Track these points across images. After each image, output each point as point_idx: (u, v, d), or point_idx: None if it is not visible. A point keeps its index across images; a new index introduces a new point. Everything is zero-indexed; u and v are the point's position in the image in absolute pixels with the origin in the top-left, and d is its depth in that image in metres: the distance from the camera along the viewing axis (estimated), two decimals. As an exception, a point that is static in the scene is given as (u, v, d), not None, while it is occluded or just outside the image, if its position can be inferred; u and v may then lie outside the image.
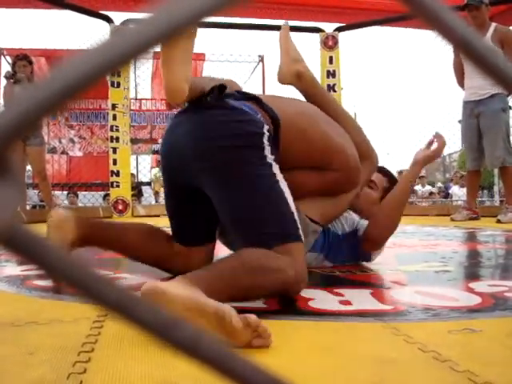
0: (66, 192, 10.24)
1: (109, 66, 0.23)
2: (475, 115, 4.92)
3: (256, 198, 1.41)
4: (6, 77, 5.52)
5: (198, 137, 1.48)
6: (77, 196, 9.76)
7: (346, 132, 1.79)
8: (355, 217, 2.01)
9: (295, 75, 1.90)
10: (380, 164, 2.10)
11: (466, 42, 0.31)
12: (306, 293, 1.50)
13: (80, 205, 9.13)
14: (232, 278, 1.25)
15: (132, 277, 1.82)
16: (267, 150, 1.44)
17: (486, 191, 14.99)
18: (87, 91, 0.23)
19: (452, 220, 5.04)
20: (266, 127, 1.47)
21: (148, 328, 0.27)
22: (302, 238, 1.44)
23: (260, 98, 1.60)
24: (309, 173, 1.72)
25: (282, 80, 1.92)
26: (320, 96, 1.90)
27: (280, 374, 0.29)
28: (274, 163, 1.45)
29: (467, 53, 0.31)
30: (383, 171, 2.18)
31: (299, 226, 1.44)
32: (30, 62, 5.59)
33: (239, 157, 1.42)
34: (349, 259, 2.02)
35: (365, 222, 1.96)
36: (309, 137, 1.65)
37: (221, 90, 1.50)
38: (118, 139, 6.28)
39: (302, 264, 1.39)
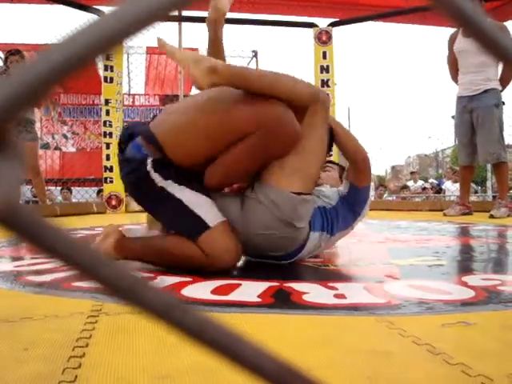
0: (59, 188, 10.19)
1: (95, 48, 0.23)
2: (468, 110, 4.93)
3: (163, 216, 1.89)
4: (-2, 72, 5.50)
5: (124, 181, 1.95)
6: (71, 191, 9.72)
7: (281, 92, 1.77)
8: (335, 189, 2.22)
9: (209, 73, 1.76)
10: (370, 158, 2.22)
11: (473, 20, 0.30)
12: (300, 286, 1.51)
13: (73, 200, 9.09)
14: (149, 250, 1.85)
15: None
16: (156, 177, 1.77)
17: (479, 186, 15.04)
18: (73, 75, 0.23)
19: (445, 215, 5.06)
20: (148, 161, 1.77)
21: (153, 311, 0.27)
22: (210, 222, 1.76)
23: (146, 133, 1.83)
24: (234, 150, 1.78)
25: (201, 87, 1.81)
26: (243, 79, 1.78)
27: (287, 360, 0.29)
28: (165, 183, 1.77)
29: (471, 30, 0.31)
30: (332, 162, 2.67)
31: (202, 216, 1.76)
32: (23, 57, 5.56)
33: (142, 194, 1.88)
34: (346, 223, 2.15)
35: (343, 185, 2.23)
36: (195, 129, 1.77)
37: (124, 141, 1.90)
38: (111, 134, 6.26)
39: (217, 245, 1.75)
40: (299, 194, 1.84)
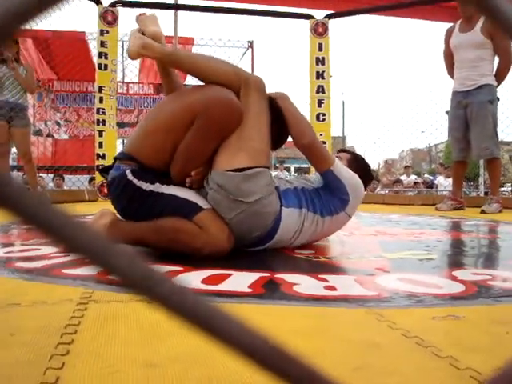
0: (51, 175, 10.14)
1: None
2: (463, 106, 4.93)
3: (159, 214, 1.91)
4: (-9, 57, 5.45)
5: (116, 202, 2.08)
6: (63, 179, 9.68)
7: (212, 74, 2.03)
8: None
9: (141, 46, 2.08)
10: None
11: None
12: (291, 278, 1.51)
13: (65, 188, 9.05)
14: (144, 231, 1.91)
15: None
16: (142, 184, 1.92)
17: (471, 182, 15.10)
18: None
19: (437, 210, 5.08)
20: (127, 171, 1.94)
21: (130, 280, 0.26)
22: (204, 206, 1.91)
23: (119, 154, 2.08)
24: (186, 137, 1.94)
25: (131, 55, 2.12)
26: (174, 58, 2.12)
27: (267, 332, 0.28)
28: (152, 186, 1.92)
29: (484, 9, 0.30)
30: (345, 150, 2.63)
31: (197, 201, 1.92)
32: (16, 42, 5.51)
33: (135, 207, 1.95)
34: (335, 207, 2.15)
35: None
36: (156, 128, 1.99)
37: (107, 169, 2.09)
38: (104, 122, 6.22)
39: (213, 223, 1.90)
40: (245, 169, 1.93)
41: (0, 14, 0.23)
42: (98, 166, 6.21)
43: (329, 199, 2.14)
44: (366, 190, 2.48)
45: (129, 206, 1.98)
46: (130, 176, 1.94)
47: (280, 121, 2.10)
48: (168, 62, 2.15)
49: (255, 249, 2.08)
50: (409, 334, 0.97)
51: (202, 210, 1.91)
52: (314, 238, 2.22)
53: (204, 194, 1.99)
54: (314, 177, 2.28)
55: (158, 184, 1.93)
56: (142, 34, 2.16)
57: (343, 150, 2.61)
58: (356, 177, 2.21)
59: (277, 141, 2.18)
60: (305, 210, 2.08)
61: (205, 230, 1.87)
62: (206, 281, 1.46)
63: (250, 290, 1.36)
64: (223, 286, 1.40)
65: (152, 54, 2.08)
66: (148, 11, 2.39)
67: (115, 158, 2.07)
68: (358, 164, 2.41)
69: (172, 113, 1.98)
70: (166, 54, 2.10)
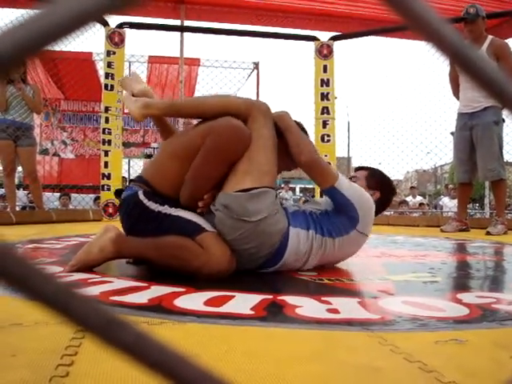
0: (56, 194, 10.17)
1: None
2: (469, 127, 4.94)
3: (164, 233, 1.95)
4: (-2, 77, 5.50)
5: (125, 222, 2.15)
6: (70, 198, 9.71)
7: (217, 110, 2.08)
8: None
9: (143, 107, 2.19)
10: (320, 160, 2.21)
11: (461, 53, 0.30)
12: (293, 300, 1.50)
13: (70, 207, 9.07)
14: (146, 248, 1.96)
15: (118, 281, 1.80)
16: (151, 204, 2.01)
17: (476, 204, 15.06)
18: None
19: (442, 231, 5.06)
20: (139, 193, 2.03)
21: (87, 325, 0.26)
22: (207, 228, 1.95)
23: (136, 178, 2.19)
24: (194, 163, 2.01)
25: (136, 118, 2.22)
26: (173, 108, 2.24)
27: (226, 376, 0.28)
28: (162, 207, 2.00)
29: (461, 64, 0.31)
30: (362, 167, 2.53)
31: (202, 223, 1.96)
32: (24, 63, 5.57)
33: (142, 226, 2.02)
34: (345, 227, 2.13)
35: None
36: (170, 159, 2.10)
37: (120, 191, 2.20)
38: (110, 142, 6.25)
39: (214, 244, 1.92)
40: (250, 189, 1.97)
41: (13, 43, 0.23)
42: (103, 186, 6.23)
43: (337, 220, 2.12)
44: (389, 205, 2.47)
45: (136, 225, 2.04)
46: (141, 196, 2.03)
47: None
48: (173, 113, 2.31)
49: (267, 270, 2.08)
50: (411, 359, 0.96)
51: (206, 231, 1.95)
52: (327, 261, 2.19)
53: (212, 219, 2.01)
54: (324, 200, 2.27)
55: (166, 206, 2.00)
56: (133, 95, 2.28)
57: (360, 168, 2.54)
58: (362, 191, 2.18)
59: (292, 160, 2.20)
60: (312, 232, 2.07)
61: (206, 250, 1.90)
62: (208, 303, 1.46)
63: (252, 313, 1.35)
64: (225, 308, 1.40)
65: (156, 110, 2.19)
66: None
67: (130, 181, 2.18)
68: (376, 179, 2.38)
69: (184, 141, 2.10)
70: (168, 106, 2.21)
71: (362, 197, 2.16)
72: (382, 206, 2.37)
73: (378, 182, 2.36)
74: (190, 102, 2.25)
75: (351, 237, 2.14)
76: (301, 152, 2.11)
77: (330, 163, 6.03)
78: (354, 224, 2.13)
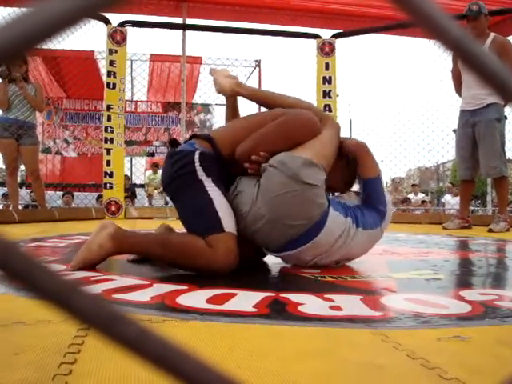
0: (59, 192, 10.18)
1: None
2: (471, 124, 4.93)
3: (189, 206, 2.02)
4: (0, 76, 5.51)
5: (166, 174, 2.17)
6: (73, 196, 9.74)
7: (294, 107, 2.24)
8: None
9: (236, 85, 2.42)
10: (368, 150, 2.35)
11: (464, 47, 0.30)
12: (296, 297, 1.50)
13: (73, 205, 9.09)
14: (148, 245, 1.98)
15: (121, 278, 1.81)
16: (199, 170, 2.01)
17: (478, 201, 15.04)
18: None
19: (444, 228, 5.06)
20: (196, 152, 2.04)
21: (90, 322, 0.26)
22: (226, 228, 1.93)
23: (203, 134, 2.22)
24: (263, 129, 2.14)
25: (224, 91, 2.44)
26: (259, 96, 2.45)
27: (229, 372, 0.28)
28: (206, 178, 2.00)
29: (464, 58, 0.31)
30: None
31: (222, 220, 1.94)
32: (25, 62, 5.58)
33: (181, 182, 2.04)
34: (374, 221, 2.18)
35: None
36: (245, 128, 2.18)
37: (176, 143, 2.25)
38: (112, 140, 6.26)
39: (223, 249, 1.89)
40: (310, 160, 2.03)
41: (12, 36, 0.23)
42: (105, 184, 6.24)
43: (369, 213, 2.17)
44: None
45: (175, 184, 2.07)
46: (196, 156, 2.04)
47: (351, 166, 2.29)
48: (255, 99, 2.45)
49: (297, 249, 2.06)
50: (414, 356, 0.96)
51: (221, 232, 1.93)
52: (347, 256, 2.20)
53: (252, 182, 2.07)
54: (350, 197, 2.31)
55: (211, 180, 2.01)
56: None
57: None
58: (389, 196, 2.32)
59: (347, 183, 2.37)
60: (349, 220, 2.08)
61: (213, 250, 1.89)
62: (210, 300, 1.46)
63: (254, 310, 1.35)
64: (228, 306, 1.40)
65: (245, 91, 2.41)
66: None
67: (193, 136, 2.23)
68: None
69: (259, 118, 2.23)
70: (254, 91, 2.46)
71: (389, 200, 2.29)
72: None
73: None
74: (271, 95, 2.38)
75: (375, 234, 2.20)
76: (356, 140, 2.32)
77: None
78: (381, 220, 2.20)
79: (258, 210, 2.01)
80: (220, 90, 2.45)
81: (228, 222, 1.96)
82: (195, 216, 1.99)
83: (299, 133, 2.11)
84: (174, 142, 2.24)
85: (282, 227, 2.01)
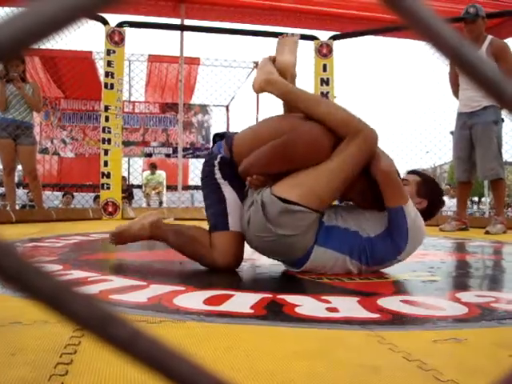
0: (56, 192, 10.17)
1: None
2: (468, 127, 4.94)
3: (206, 202, 2.24)
4: (-2, 75, 5.50)
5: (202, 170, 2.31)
6: (73, 197, 9.75)
7: (322, 118, 2.02)
8: (383, 217, 2.05)
9: (266, 82, 2.20)
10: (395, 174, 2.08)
11: (460, 53, 0.30)
12: (293, 299, 1.50)
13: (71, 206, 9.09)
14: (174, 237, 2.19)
15: (118, 279, 1.81)
16: (217, 173, 2.15)
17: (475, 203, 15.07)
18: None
19: (441, 230, 5.06)
20: (217, 159, 2.16)
21: (83, 323, 0.26)
22: (232, 227, 2.08)
23: (228, 137, 2.23)
24: (265, 145, 2.05)
25: (255, 88, 2.27)
26: (291, 98, 2.18)
27: (221, 373, 0.28)
28: (222, 181, 2.14)
29: (460, 64, 0.31)
30: (416, 172, 2.40)
31: (229, 219, 2.08)
32: (23, 61, 5.57)
33: (205, 180, 2.22)
34: (386, 256, 2.03)
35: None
36: (257, 140, 2.10)
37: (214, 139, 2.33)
38: (109, 141, 6.25)
39: (221, 247, 2.06)
40: (292, 203, 1.93)
41: (10, 34, 0.23)
42: (103, 185, 6.23)
43: (381, 247, 2.01)
44: (434, 216, 2.30)
45: (203, 179, 2.26)
46: (216, 161, 2.17)
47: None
48: (286, 100, 2.25)
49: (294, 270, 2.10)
50: (410, 357, 0.96)
51: (224, 230, 2.09)
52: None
53: (251, 201, 2.07)
54: (374, 220, 2.07)
55: (227, 182, 2.14)
56: (274, 61, 2.32)
57: (413, 172, 2.40)
58: (422, 223, 2.07)
59: (374, 201, 2.07)
60: (343, 256, 2.00)
61: (213, 248, 2.08)
62: (207, 301, 1.46)
63: (251, 311, 1.35)
64: (225, 307, 1.40)
65: (274, 90, 2.19)
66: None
67: (222, 135, 2.30)
68: (427, 187, 2.24)
69: (277, 126, 2.13)
70: (286, 92, 2.17)
71: (418, 232, 2.05)
72: (427, 215, 2.20)
73: (429, 191, 2.23)
74: (305, 99, 2.12)
75: (390, 264, 2.09)
76: (382, 161, 2.02)
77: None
78: (395, 254, 2.03)
79: (250, 236, 2.07)
80: (252, 86, 2.30)
81: (235, 222, 2.09)
82: (207, 210, 2.20)
83: (299, 156, 1.97)
84: (215, 137, 2.34)
85: (272, 256, 2.15)
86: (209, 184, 2.18)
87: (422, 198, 2.18)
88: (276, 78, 2.20)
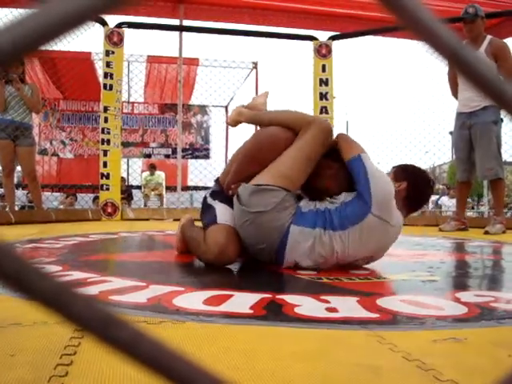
0: (56, 193, 10.17)
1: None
2: (467, 127, 4.94)
3: (205, 215, 2.43)
4: (-3, 77, 5.50)
5: None
6: (76, 198, 9.76)
7: (279, 122, 2.36)
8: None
9: (237, 115, 2.67)
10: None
11: (457, 54, 0.30)
12: (292, 299, 1.50)
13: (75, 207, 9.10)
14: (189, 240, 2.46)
15: (117, 280, 1.81)
16: (208, 198, 2.47)
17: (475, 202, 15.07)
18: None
19: (440, 230, 5.06)
20: (209, 192, 2.55)
21: (84, 324, 0.26)
22: (219, 220, 2.25)
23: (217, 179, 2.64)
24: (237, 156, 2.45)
25: (231, 122, 2.74)
26: (257, 119, 2.62)
27: (221, 374, 0.28)
28: (213, 201, 2.41)
29: (458, 65, 0.31)
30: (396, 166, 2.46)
31: (219, 217, 2.27)
32: (22, 63, 5.57)
33: (201, 214, 2.53)
34: (357, 212, 2.06)
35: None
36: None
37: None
38: (108, 142, 6.25)
39: (212, 238, 2.18)
40: (261, 185, 2.16)
41: (12, 38, 0.23)
42: (102, 186, 6.23)
43: (350, 208, 2.06)
44: (425, 198, 2.40)
45: (200, 215, 2.53)
46: (208, 194, 2.53)
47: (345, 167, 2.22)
48: (254, 123, 2.73)
49: (283, 263, 2.17)
50: (410, 357, 0.96)
51: (214, 224, 2.25)
52: (352, 257, 2.12)
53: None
54: (344, 195, 2.15)
55: (217, 201, 2.39)
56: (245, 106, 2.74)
57: (394, 167, 2.45)
58: (383, 174, 2.16)
59: (341, 185, 2.22)
60: (319, 230, 2.06)
61: (205, 243, 2.20)
62: (207, 302, 1.46)
63: (251, 312, 1.35)
64: (224, 308, 1.40)
65: (244, 118, 2.63)
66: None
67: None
68: (404, 170, 2.34)
69: (242, 145, 2.45)
70: (252, 116, 2.61)
71: (380, 178, 2.09)
72: (413, 199, 2.28)
73: (408, 174, 2.29)
74: (266, 117, 2.51)
75: (369, 223, 2.04)
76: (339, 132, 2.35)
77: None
78: (366, 208, 2.03)
79: (240, 233, 2.21)
80: (229, 124, 2.79)
81: (222, 218, 2.27)
82: (206, 218, 2.39)
83: (261, 154, 2.27)
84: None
85: (258, 251, 2.21)
86: (204, 210, 2.46)
87: (400, 180, 2.25)
88: (241, 109, 2.67)
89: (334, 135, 2.33)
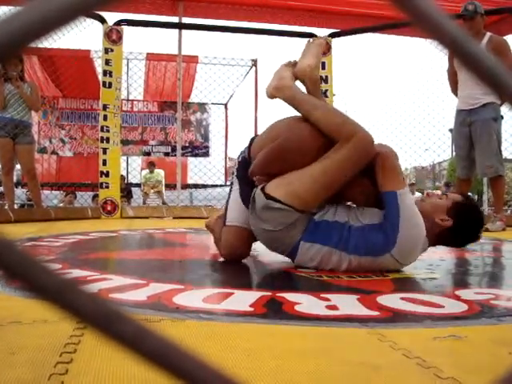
0: (55, 191, 10.16)
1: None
2: (467, 124, 4.93)
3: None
4: (-4, 75, 5.49)
5: None
6: (75, 196, 9.75)
7: (317, 122, 2.10)
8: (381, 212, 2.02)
9: (276, 88, 2.30)
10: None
11: (461, 46, 0.30)
12: (292, 297, 1.50)
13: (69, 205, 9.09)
14: None
15: (117, 278, 1.80)
16: (235, 173, 2.44)
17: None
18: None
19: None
20: (239, 158, 2.45)
21: (88, 320, 0.26)
22: (228, 222, 2.31)
23: (252, 139, 2.43)
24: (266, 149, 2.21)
25: (267, 96, 2.36)
26: (295, 103, 2.24)
27: (228, 371, 0.28)
28: (235, 180, 2.41)
29: (461, 57, 0.31)
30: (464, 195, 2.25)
31: (228, 215, 2.33)
32: (21, 60, 5.56)
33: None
34: (376, 246, 1.97)
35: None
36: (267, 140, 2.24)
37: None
38: (108, 140, 6.24)
39: (224, 240, 2.30)
40: (274, 200, 2.02)
41: (8, 32, 0.23)
42: (101, 184, 6.22)
43: (372, 237, 1.96)
44: (468, 240, 2.16)
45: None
46: (238, 160, 2.48)
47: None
48: (291, 105, 2.26)
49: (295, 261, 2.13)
50: (410, 355, 0.96)
51: (225, 225, 2.32)
52: (354, 271, 2.03)
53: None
54: (371, 213, 2.05)
55: (238, 181, 2.39)
56: (295, 64, 2.39)
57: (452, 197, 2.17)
58: (418, 218, 1.96)
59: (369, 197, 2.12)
60: (329, 248, 2.00)
61: (221, 241, 2.33)
62: (207, 300, 1.46)
63: (251, 310, 1.35)
64: (225, 305, 1.40)
65: (281, 96, 2.28)
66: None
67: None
68: (460, 210, 2.07)
69: (280, 130, 2.22)
70: (291, 97, 2.24)
71: (411, 221, 1.94)
72: (451, 239, 2.10)
73: (460, 213, 2.05)
74: (305, 104, 2.19)
75: (383, 260, 1.98)
76: (381, 147, 2.07)
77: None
78: (387, 247, 1.95)
79: (254, 229, 2.19)
80: (266, 92, 2.39)
81: (233, 217, 2.32)
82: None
83: (291, 157, 2.07)
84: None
85: (269, 247, 2.20)
86: (232, 182, 2.47)
87: (450, 216, 2.03)
88: (284, 83, 2.28)
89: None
